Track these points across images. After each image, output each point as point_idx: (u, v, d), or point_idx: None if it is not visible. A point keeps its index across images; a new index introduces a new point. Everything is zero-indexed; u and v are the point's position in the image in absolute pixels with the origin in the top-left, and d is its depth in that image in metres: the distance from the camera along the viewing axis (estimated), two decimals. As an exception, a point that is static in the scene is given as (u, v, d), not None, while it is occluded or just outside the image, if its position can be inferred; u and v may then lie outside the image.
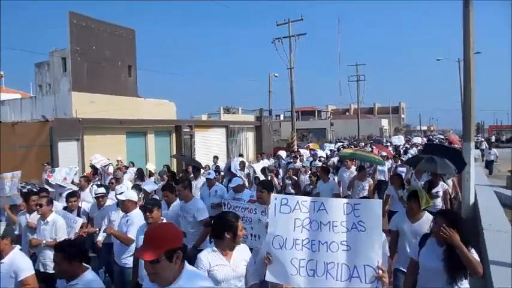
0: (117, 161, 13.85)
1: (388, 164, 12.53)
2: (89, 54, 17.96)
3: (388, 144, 26.05)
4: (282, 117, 62.86)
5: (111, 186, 7.84)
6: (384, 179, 11.49)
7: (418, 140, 31.60)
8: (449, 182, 8.53)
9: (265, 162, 13.47)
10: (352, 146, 20.17)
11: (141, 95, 21.30)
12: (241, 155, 17.62)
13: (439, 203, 7.08)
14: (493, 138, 47.94)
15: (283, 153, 17.22)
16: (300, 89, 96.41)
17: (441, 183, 7.29)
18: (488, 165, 21.54)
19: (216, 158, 15.31)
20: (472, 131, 10.40)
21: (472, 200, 10.04)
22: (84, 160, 15.45)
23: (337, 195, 8.04)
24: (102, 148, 15.99)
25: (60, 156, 14.59)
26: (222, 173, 11.60)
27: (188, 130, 21.53)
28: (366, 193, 8.25)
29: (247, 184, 8.67)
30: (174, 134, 21.03)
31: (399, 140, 28.61)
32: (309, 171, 10.52)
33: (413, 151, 20.10)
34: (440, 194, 7.16)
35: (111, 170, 11.98)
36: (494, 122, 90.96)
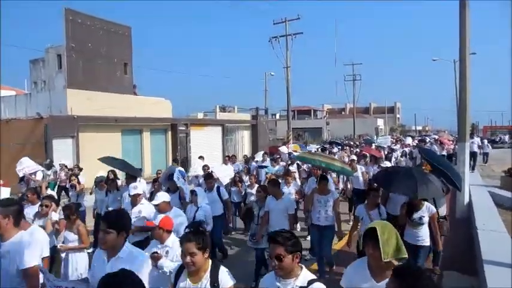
0: (60, 165, 12.45)
1: (374, 168, 10.28)
2: (85, 51, 17.88)
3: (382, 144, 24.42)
4: (277, 116, 62.78)
5: (27, 198, 5.96)
6: (362, 188, 9.42)
7: (409, 140, 28.98)
8: (443, 201, 6.49)
9: (225, 169, 9.86)
10: (319, 150, 18.04)
11: (138, 93, 21.27)
12: (201, 157, 13.31)
13: (422, 233, 5.37)
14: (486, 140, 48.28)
15: (284, 149, 15.82)
16: (296, 88, 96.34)
17: (426, 205, 5.41)
18: (485, 155, 23.69)
19: (201, 158, 13.24)
20: (467, 131, 10.48)
21: (466, 200, 10.13)
22: (79, 158, 15.39)
23: (294, 218, 6.25)
24: (97, 146, 15.94)
25: (54, 154, 14.50)
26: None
27: (184, 128, 21.48)
28: (329, 211, 6.10)
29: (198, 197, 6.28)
30: (169, 132, 20.98)
31: (385, 140, 25.57)
32: (256, 184, 8.45)
33: (396, 154, 18.72)
34: (426, 220, 5.34)
35: (39, 176, 10.24)
36: (489, 122, 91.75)
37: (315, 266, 6.28)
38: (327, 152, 16.20)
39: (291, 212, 5.98)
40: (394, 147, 22.67)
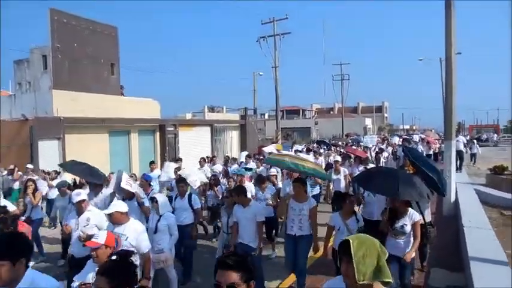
0: (27, 168, 11.80)
1: (360, 169, 9.51)
2: (70, 52, 17.64)
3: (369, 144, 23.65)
4: (266, 116, 62.82)
5: None
6: (343, 190, 9.12)
7: (395, 139, 28.22)
8: (428, 206, 6.06)
9: (196, 173, 8.99)
10: (304, 150, 17.20)
11: (126, 94, 21.07)
12: (178, 160, 12.50)
13: (407, 243, 4.80)
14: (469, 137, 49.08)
15: (268, 149, 15.53)
16: (284, 88, 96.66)
17: (410, 211, 4.84)
18: (472, 156, 23.85)
19: (178, 160, 12.13)
20: (453, 130, 10.61)
21: (453, 198, 10.26)
22: (66, 160, 15.16)
23: (261, 226, 5.66)
24: (84, 147, 15.77)
25: (40, 156, 14.28)
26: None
27: (172, 129, 21.35)
28: (304, 220, 5.44)
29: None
30: (158, 133, 20.83)
31: (371, 140, 25.07)
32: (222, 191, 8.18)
33: (385, 154, 18.00)
34: (408, 229, 4.75)
35: None
36: (475, 121, 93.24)
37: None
38: (311, 152, 15.96)
39: (259, 219, 5.55)
40: (383, 147, 22.02)
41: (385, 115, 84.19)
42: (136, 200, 6.16)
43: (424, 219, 5.13)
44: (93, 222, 5.09)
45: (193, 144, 22.98)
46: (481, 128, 77.46)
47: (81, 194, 5.22)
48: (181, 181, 6.82)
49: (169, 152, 20.63)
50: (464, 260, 5.87)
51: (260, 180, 7.77)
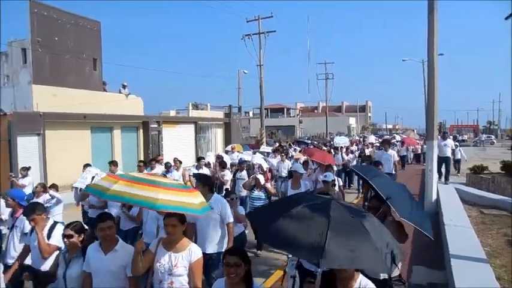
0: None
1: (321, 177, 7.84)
2: (51, 46, 17.22)
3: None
4: (251, 114, 62.85)
5: None
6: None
7: (372, 139, 27.21)
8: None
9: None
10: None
11: (108, 90, 20.70)
12: (113, 162, 9.45)
13: None
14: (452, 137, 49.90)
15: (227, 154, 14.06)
16: (269, 86, 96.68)
17: (360, 279, 2.82)
18: (456, 163, 18.77)
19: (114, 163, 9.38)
20: (435, 130, 10.78)
21: (434, 197, 10.43)
22: (46, 156, 14.85)
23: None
24: (65, 144, 15.45)
25: (19, 152, 13.93)
26: None
27: (156, 126, 21.12)
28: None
29: None
30: (141, 130, 20.57)
31: (342, 140, 22.44)
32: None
33: (352, 155, 17.34)
34: None
35: None
36: (455, 121, 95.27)
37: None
38: (278, 155, 13.53)
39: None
40: (353, 148, 20.58)
41: (369, 114, 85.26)
42: None
43: (390, 278, 3.59)
44: None
45: (177, 141, 22.79)
46: (461, 128, 79.24)
47: None
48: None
49: (153, 149, 20.40)
50: (445, 257, 5.97)
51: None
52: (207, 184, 4.74)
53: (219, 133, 28.08)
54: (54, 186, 7.75)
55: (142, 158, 18.20)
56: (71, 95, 16.79)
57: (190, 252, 3.36)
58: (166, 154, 19.66)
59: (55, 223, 4.36)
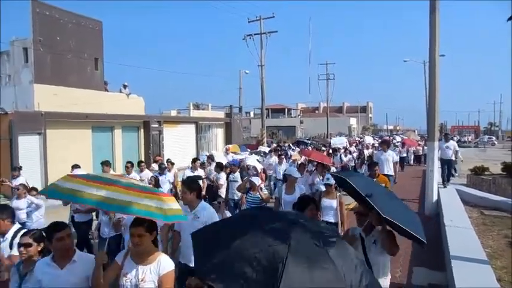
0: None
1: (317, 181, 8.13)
2: (53, 45, 17.24)
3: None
4: (252, 115, 62.88)
5: None
6: None
7: (369, 140, 26.67)
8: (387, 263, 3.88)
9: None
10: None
11: (110, 90, 20.72)
12: (76, 166, 8.88)
13: None
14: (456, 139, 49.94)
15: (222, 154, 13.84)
16: (270, 86, 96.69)
17: None
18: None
19: (76, 167, 8.88)
20: (436, 130, 10.78)
21: (435, 198, 10.42)
22: (47, 155, 14.88)
23: None
24: (67, 143, 15.48)
25: (20, 151, 13.96)
26: None
27: (157, 126, 21.13)
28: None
29: None
30: (142, 130, 20.59)
31: (340, 141, 22.31)
32: None
33: (350, 156, 17.18)
34: None
35: None
36: (456, 122, 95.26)
37: None
38: (276, 152, 13.56)
39: None
40: (351, 149, 20.40)
41: (370, 115, 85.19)
42: None
43: None
44: None
45: (178, 141, 22.80)
46: (462, 129, 79.28)
47: None
48: None
49: (154, 149, 20.42)
50: (446, 258, 5.97)
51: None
52: (194, 189, 4.33)
53: (219, 133, 28.09)
54: (34, 189, 7.35)
55: (143, 158, 18.25)
56: (72, 95, 16.81)
57: (159, 265, 2.95)
58: (167, 154, 19.69)
59: (19, 229, 3.87)
